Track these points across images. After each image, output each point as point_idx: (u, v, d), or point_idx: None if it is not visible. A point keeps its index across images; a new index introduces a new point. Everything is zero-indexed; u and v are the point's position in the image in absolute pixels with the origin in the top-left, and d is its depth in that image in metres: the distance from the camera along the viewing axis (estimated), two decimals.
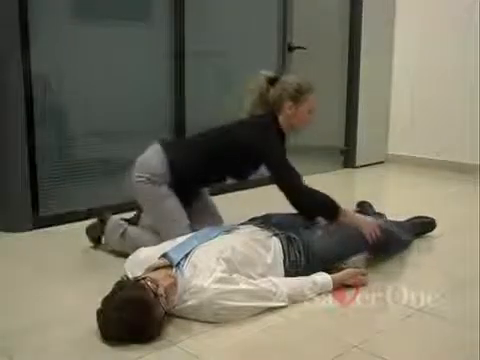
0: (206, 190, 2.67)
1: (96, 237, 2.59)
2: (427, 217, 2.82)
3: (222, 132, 2.47)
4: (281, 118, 2.44)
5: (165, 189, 2.39)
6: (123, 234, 2.47)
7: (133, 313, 1.64)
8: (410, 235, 2.66)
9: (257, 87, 2.46)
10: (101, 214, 2.61)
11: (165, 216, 2.40)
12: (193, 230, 2.32)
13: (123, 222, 2.56)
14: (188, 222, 2.41)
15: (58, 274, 2.31)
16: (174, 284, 1.80)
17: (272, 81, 2.45)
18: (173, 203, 2.40)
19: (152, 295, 1.68)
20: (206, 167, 2.43)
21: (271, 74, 2.48)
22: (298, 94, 2.41)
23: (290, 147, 4.28)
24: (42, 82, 2.89)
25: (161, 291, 1.72)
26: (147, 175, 2.38)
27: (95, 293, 1.79)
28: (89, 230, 2.61)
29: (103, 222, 2.56)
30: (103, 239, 2.59)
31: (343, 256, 2.26)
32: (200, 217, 2.52)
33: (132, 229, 2.51)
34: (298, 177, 2.37)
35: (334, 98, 4.87)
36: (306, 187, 2.34)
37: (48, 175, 2.97)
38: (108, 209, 2.73)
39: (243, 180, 2.63)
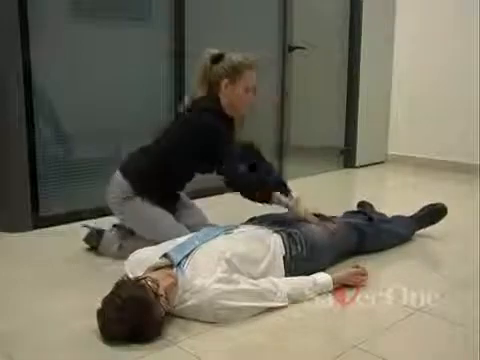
0: (183, 194, 2.64)
1: (94, 245, 2.57)
2: (436, 204, 2.81)
3: (170, 133, 2.44)
4: (222, 98, 2.37)
5: (139, 201, 2.39)
6: (120, 247, 2.47)
7: (133, 313, 1.64)
8: (408, 229, 2.72)
9: (201, 65, 2.39)
10: (96, 229, 2.57)
11: (150, 224, 2.40)
12: (192, 230, 2.31)
13: (117, 235, 2.53)
14: (174, 221, 2.40)
15: (58, 274, 2.31)
16: (174, 284, 1.80)
17: (216, 59, 2.37)
18: (150, 210, 2.39)
19: (152, 295, 1.68)
20: (165, 171, 2.39)
21: (216, 51, 2.39)
22: (234, 71, 2.32)
23: (291, 147, 4.27)
24: (42, 82, 2.89)
25: (161, 291, 1.72)
26: (118, 193, 2.41)
27: (95, 293, 1.78)
28: (87, 239, 2.58)
29: (99, 234, 2.55)
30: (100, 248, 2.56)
31: (340, 249, 2.37)
32: (184, 219, 2.52)
33: (128, 243, 2.45)
34: (239, 170, 2.31)
35: (334, 98, 4.87)
36: (245, 179, 2.31)
37: (48, 175, 2.97)
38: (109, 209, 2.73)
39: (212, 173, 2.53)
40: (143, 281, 1.72)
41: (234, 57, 2.34)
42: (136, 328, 1.66)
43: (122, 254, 2.40)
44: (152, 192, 2.41)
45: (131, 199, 2.40)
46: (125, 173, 2.43)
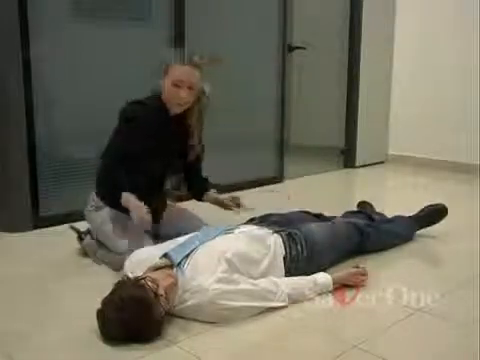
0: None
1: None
2: (437, 204, 2.80)
3: None
4: (162, 93, 2.37)
5: (101, 211, 2.39)
6: (96, 254, 2.46)
7: (133, 313, 1.64)
8: (408, 229, 2.72)
9: None
10: (80, 234, 2.57)
11: (102, 235, 2.40)
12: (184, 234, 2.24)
13: (91, 246, 2.50)
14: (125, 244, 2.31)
15: (58, 274, 2.31)
16: (174, 284, 1.80)
17: None
18: (104, 218, 2.37)
19: (152, 295, 1.68)
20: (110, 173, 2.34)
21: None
22: (167, 65, 2.35)
23: (291, 147, 4.25)
24: (42, 82, 2.89)
25: (161, 291, 1.72)
26: (93, 203, 2.42)
27: (95, 293, 1.78)
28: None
29: (81, 239, 2.55)
30: None
31: (341, 250, 2.36)
32: (178, 222, 2.51)
33: (100, 252, 2.44)
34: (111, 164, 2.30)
35: (334, 98, 4.87)
36: (110, 172, 2.30)
37: (48, 175, 2.97)
38: None
39: (176, 174, 2.57)
40: (143, 281, 1.72)
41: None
42: (136, 328, 1.66)
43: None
44: (109, 197, 2.35)
45: (99, 209, 2.40)
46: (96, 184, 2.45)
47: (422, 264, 2.59)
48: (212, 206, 2.63)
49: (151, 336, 1.70)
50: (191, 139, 2.47)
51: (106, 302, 1.70)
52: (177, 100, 2.33)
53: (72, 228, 2.62)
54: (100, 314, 1.70)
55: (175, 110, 2.37)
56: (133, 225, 2.31)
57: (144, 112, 2.33)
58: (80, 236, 2.54)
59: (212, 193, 2.61)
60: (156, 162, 2.40)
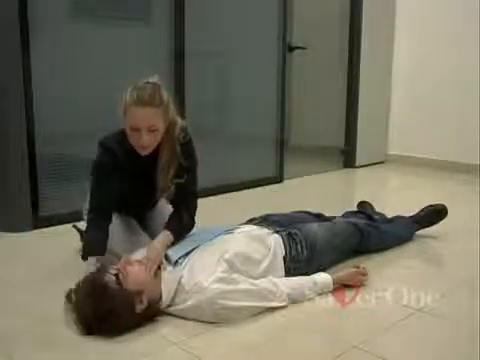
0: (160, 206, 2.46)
1: None
2: (437, 205, 2.80)
3: None
4: None
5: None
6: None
7: (87, 291, 1.71)
8: (408, 229, 2.72)
9: None
10: (81, 232, 2.54)
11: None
12: None
13: None
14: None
15: (58, 274, 2.31)
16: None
17: None
18: None
19: (103, 274, 1.74)
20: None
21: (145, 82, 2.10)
22: (124, 108, 2.04)
23: (291, 147, 4.26)
24: (42, 82, 2.89)
25: (119, 270, 1.77)
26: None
27: None
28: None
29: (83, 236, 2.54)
30: None
31: (341, 249, 2.36)
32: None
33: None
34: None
35: (334, 98, 4.87)
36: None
37: (48, 175, 2.97)
38: None
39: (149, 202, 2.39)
40: (99, 264, 1.82)
41: (129, 92, 2.04)
42: (100, 311, 1.69)
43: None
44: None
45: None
46: None
47: (422, 264, 2.59)
48: (212, 206, 2.64)
49: (123, 312, 1.71)
50: (160, 181, 2.16)
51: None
52: (139, 145, 2.07)
53: (75, 227, 2.62)
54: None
55: (141, 153, 2.11)
56: (132, 227, 2.32)
57: (111, 153, 2.13)
58: (83, 236, 2.54)
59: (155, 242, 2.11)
60: (133, 197, 2.28)
